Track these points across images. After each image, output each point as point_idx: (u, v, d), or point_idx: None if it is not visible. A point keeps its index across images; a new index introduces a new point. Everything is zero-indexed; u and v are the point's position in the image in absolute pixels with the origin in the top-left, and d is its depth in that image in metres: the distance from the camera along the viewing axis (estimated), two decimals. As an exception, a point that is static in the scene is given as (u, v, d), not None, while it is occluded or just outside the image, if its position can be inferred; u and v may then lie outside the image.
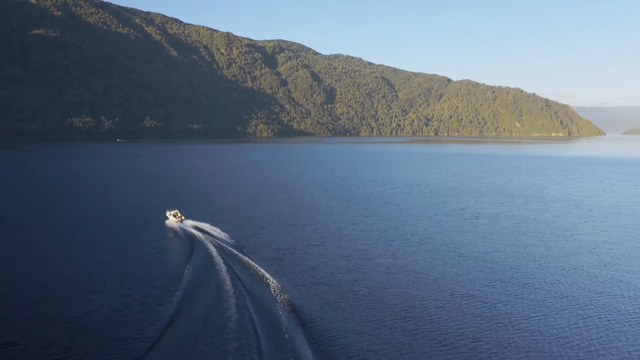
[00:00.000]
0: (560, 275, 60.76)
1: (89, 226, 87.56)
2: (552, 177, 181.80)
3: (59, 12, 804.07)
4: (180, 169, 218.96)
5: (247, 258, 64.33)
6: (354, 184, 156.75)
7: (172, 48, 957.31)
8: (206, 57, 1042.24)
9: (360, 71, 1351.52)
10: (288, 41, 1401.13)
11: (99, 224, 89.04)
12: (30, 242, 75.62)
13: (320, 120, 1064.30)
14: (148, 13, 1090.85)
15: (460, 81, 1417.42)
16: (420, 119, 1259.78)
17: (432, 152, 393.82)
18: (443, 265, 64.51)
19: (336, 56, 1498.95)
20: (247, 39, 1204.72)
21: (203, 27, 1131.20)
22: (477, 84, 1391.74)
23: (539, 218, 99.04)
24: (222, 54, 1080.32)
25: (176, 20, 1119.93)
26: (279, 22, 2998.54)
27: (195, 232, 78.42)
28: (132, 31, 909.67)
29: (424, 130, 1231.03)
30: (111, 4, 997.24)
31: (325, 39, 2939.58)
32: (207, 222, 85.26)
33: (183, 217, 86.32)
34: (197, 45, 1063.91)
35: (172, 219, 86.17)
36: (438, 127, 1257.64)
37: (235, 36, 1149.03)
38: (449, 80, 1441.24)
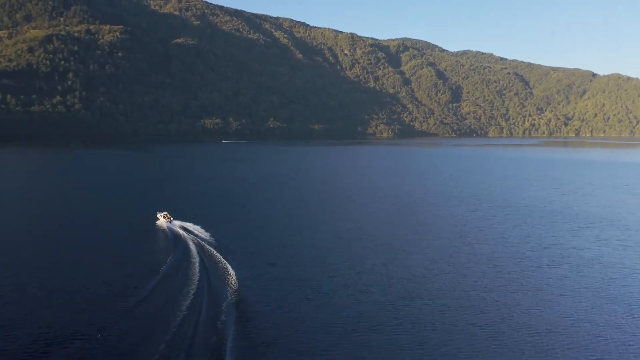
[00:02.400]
0: None
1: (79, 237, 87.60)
2: None
3: (198, 22, 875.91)
4: (262, 175, 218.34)
5: None
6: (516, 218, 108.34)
7: (298, 51, 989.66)
8: (330, 58, 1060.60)
9: (491, 67, 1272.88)
10: (413, 39, 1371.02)
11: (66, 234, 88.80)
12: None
13: (444, 120, 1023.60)
14: (277, 18, 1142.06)
15: (608, 75, 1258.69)
16: (558, 118, 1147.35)
17: (581, 160, 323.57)
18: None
19: (464, 52, 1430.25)
20: (371, 38, 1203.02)
21: (328, 29, 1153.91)
22: (628, 78, 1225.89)
23: None
24: (345, 55, 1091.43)
25: (303, 23, 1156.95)
26: (404, 20, 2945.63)
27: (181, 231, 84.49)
28: (261, 36, 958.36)
29: (562, 130, 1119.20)
30: (244, 11, 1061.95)
31: (453, 35, 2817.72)
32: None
33: (172, 218, 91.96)
34: (322, 47, 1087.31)
35: (162, 220, 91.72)
36: (579, 127, 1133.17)
37: (359, 36, 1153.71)
38: (593, 74, 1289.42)
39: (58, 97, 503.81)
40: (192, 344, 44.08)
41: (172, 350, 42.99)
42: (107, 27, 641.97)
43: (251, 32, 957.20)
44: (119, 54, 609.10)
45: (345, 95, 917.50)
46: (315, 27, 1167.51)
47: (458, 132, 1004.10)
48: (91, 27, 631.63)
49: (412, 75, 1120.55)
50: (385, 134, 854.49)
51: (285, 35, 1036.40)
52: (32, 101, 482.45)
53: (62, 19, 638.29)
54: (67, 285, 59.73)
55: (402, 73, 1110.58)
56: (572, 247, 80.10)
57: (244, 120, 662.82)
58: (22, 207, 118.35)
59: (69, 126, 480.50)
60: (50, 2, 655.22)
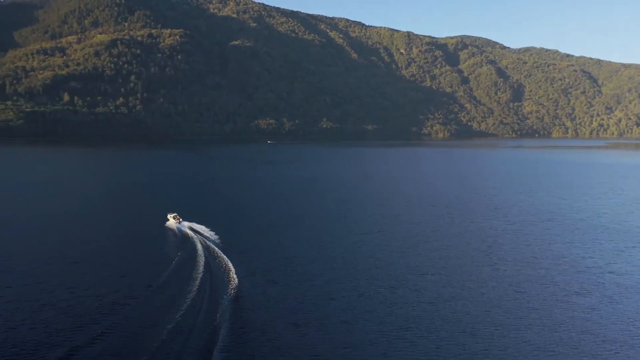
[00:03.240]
0: None
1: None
2: None
3: (255, 24, 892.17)
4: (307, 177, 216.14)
5: None
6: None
7: (352, 51, 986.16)
8: (385, 57, 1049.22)
9: (556, 65, 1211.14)
10: (472, 36, 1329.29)
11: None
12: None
13: (504, 120, 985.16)
14: (333, 18, 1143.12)
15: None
16: (629, 118, 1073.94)
17: None
18: None
19: (527, 49, 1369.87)
20: (428, 37, 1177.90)
21: (384, 28, 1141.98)
22: None
23: None
24: (401, 54, 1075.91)
25: (359, 23, 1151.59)
26: (463, 17, 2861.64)
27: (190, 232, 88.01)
28: (317, 37, 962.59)
29: (634, 130, 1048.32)
30: (300, 12, 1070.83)
31: (515, 31, 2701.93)
32: None
33: (181, 219, 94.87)
34: (377, 46, 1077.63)
35: (171, 221, 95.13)
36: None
37: (416, 35, 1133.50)
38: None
39: (121, 99, 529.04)
40: (188, 338, 48.02)
41: (168, 344, 46.78)
42: (168, 31, 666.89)
43: (306, 32, 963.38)
44: (179, 56, 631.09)
45: (400, 94, 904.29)
46: (371, 26, 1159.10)
47: (519, 133, 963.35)
48: (153, 31, 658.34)
49: (470, 74, 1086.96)
50: (440, 135, 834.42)
51: (341, 35, 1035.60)
52: (97, 103, 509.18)
53: (126, 23, 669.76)
54: (87, 275, 67.24)
55: (460, 72, 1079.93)
56: (609, 272, 71.65)
57: (297, 121, 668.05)
58: (60, 201, 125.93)
59: (130, 126, 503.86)
60: (116, 8, 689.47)
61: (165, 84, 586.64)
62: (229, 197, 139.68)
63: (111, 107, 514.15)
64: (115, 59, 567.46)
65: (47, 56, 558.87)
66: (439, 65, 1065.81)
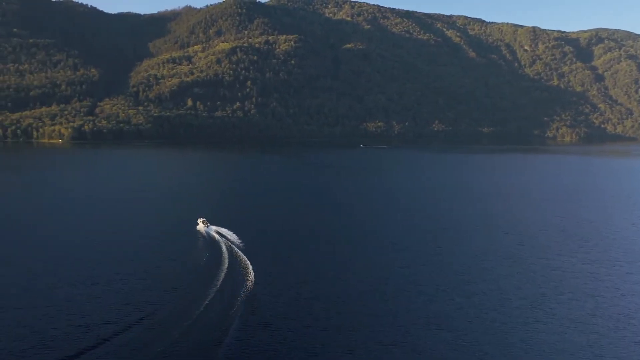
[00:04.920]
0: None
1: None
2: None
3: (368, 26, 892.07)
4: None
5: None
6: None
7: (470, 49, 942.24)
8: (507, 55, 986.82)
9: None
10: (609, 29, 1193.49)
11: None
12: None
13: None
14: (450, 16, 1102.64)
15: None
16: None
17: None
18: None
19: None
20: (557, 31, 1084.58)
21: (506, 24, 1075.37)
22: None
23: None
24: (525, 50, 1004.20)
25: (478, 20, 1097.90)
26: (599, 9, 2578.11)
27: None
28: (432, 36, 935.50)
29: None
30: (416, 12, 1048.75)
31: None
32: None
33: (209, 224, 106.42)
34: (498, 44, 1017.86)
35: (201, 225, 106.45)
36: None
37: (542, 30, 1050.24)
38: None
39: (237, 104, 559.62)
40: (204, 328, 58.17)
41: (188, 334, 56.95)
42: (284, 37, 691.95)
43: (421, 32, 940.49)
44: (292, 61, 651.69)
45: (522, 94, 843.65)
46: (492, 22, 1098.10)
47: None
48: (270, 37, 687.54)
49: (606, 71, 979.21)
50: (567, 138, 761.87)
51: (458, 34, 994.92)
52: (216, 107, 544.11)
53: (246, 31, 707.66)
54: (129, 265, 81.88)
55: (593, 68, 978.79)
56: None
57: (406, 123, 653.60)
58: (131, 198, 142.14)
59: (244, 129, 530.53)
60: (237, 18, 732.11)
61: (279, 88, 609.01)
62: (280, 206, 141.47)
63: (228, 112, 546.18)
64: (234, 66, 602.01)
65: (175, 64, 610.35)
66: (568, 62, 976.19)
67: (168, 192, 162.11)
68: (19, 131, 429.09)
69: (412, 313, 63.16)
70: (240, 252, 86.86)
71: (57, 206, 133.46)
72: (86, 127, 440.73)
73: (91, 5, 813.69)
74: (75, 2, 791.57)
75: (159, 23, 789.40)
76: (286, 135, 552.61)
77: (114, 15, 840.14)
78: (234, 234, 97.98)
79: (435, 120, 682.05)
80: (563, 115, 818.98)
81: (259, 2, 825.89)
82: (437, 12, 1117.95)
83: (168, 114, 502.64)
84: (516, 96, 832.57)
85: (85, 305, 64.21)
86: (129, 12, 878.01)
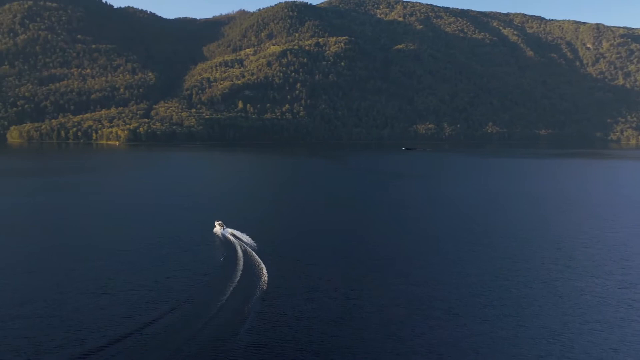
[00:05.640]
0: None
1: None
2: None
3: (421, 26, 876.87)
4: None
5: None
6: None
7: (528, 48, 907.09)
8: (568, 54, 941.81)
9: None
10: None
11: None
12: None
13: None
14: (507, 14, 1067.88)
15: None
16: None
17: None
18: None
19: None
20: (624, 27, 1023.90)
21: (568, 21, 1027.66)
22: None
23: None
24: (587, 49, 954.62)
25: (537, 17, 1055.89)
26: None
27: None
28: (487, 35, 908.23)
29: None
30: (471, 10, 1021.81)
31: None
32: None
33: (225, 226, 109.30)
34: (559, 42, 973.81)
35: (217, 227, 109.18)
36: None
37: (607, 27, 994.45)
38: None
39: (287, 106, 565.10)
40: (220, 326, 61.05)
41: (201, 333, 59.27)
42: (334, 38, 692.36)
43: (476, 31, 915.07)
44: (342, 63, 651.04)
45: (583, 95, 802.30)
46: (552, 20, 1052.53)
47: None
48: (320, 39, 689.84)
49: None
50: (633, 141, 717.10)
51: (515, 32, 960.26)
52: (265, 109, 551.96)
53: (297, 34, 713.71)
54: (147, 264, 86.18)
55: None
56: None
57: (458, 125, 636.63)
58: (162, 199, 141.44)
59: (293, 131, 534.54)
60: (288, 20, 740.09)
61: (327, 90, 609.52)
62: (302, 210, 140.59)
63: (278, 114, 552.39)
64: (284, 68, 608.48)
65: (227, 68, 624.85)
66: (635, 61, 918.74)
67: (198, 194, 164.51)
68: (79, 133, 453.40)
69: (429, 328, 60.34)
70: (254, 254, 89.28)
71: (90, 208, 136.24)
72: (141, 129, 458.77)
73: (150, 11, 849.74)
74: (135, 8, 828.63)
75: (213, 27, 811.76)
76: (334, 137, 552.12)
77: (172, 20, 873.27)
78: (249, 237, 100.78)
79: (489, 123, 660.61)
80: (629, 116, 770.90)
81: (311, 4, 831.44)
82: (494, 10, 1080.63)
83: (219, 116, 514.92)
84: (577, 97, 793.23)
85: (108, 298, 69.28)
86: (185, 17, 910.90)
